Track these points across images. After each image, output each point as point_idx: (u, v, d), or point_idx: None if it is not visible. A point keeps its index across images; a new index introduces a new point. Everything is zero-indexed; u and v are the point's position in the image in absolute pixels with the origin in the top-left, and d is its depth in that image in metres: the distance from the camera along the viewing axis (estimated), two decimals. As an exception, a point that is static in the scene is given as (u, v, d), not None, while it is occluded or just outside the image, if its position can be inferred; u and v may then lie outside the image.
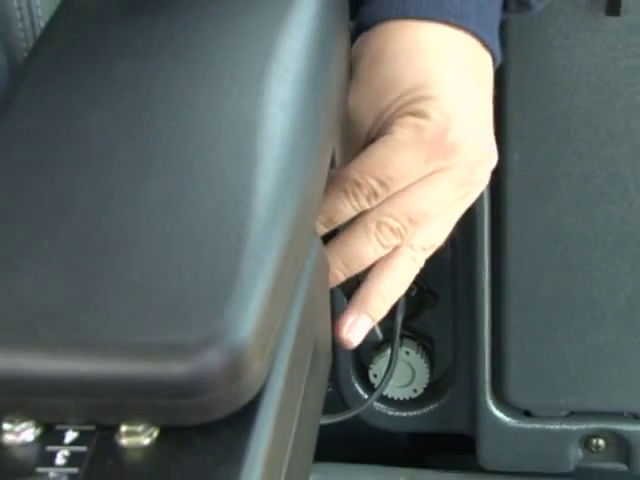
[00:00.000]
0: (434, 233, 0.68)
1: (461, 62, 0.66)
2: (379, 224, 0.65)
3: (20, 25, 0.62)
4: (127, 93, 0.54)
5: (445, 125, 0.63)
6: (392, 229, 0.66)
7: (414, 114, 0.63)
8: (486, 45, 0.67)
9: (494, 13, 0.68)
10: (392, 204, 0.65)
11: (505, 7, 0.69)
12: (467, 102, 0.65)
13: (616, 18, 0.81)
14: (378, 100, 0.65)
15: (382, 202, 0.65)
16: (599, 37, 0.83)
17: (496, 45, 0.68)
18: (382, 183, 0.63)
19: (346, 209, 0.65)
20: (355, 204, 0.65)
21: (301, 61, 0.56)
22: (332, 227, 0.66)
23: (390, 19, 0.66)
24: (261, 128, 0.51)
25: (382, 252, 0.67)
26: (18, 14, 0.62)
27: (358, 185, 0.64)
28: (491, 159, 0.67)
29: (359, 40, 0.68)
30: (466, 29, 0.66)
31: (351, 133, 0.66)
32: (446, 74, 0.65)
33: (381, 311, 0.71)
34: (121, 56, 0.56)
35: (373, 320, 0.71)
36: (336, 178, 0.64)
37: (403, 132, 0.63)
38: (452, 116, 0.63)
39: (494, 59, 0.69)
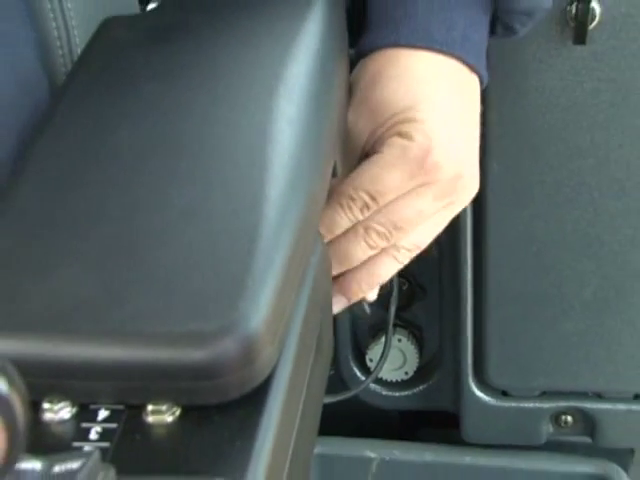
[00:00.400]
0: (418, 237, 0.68)
1: (448, 85, 0.66)
2: (367, 229, 0.66)
3: (60, 52, 0.62)
4: (153, 112, 0.54)
5: (427, 146, 0.63)
6: (379, 233, 0.66)
7: (401, 135, 0.64)
8: (472, 68, 0.67)
9: (480, 39, 0.68)
10: (380, 212, 0.66)
11: (493, 32, 0.69)
12: (449, 124, 0.65)
13: (582, 47, 0.81)
14: (373, 118, 0.65)
15: None
16: (568, 63, 0.82)
17: (482, 67, 0.68)
18: (373, 197, 0.64)
19: (343, 220, 0.66)
20: (350, 216, 0.66)
21: (306, 83, 0.56)
22: (331, 237, 0.66)
23: (384, 47, 0.66)
24: (271, 142, 0.51)
25: (370, 252, 0.67)
26: (58, 43, 0.62)
27: (352, 199, 0.65)
28: (471, 175, 0.67)
29: (359, 65, 0.68)
30: (452, 55, 0.66)
31: (349, 146, 0.67)
32: (432, 98, 0.65)
33: (356, 294, 0.70)
34: (147, 79, 0.56)
35: (348, 301, 0.71)
36: (333, 193, 0.65)
37: (391, 152, 0.64)
38: (434, 138, 0.63)
39: (481, 80, 0.69)
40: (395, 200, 0.65)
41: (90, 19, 0.61)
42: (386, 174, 0.64)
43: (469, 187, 0.67)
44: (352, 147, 0.67)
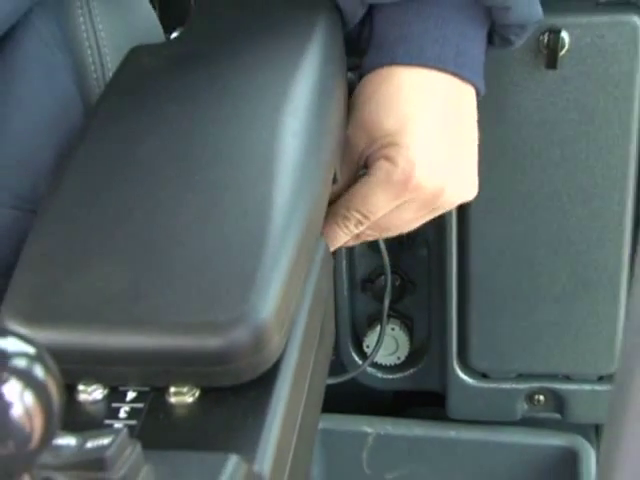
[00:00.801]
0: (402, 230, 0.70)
1: (440, 101, 0.65)
2: (361, 235, 0.69)
3: (94, 75, 0.62)
4: (174, 128, 0.54)
5: (409, 171, 0.63)
6: (368, 235, 0.69)
7: (387, 159, 0.64)
8: (467, 80, 0.66)
9: (476, 52, 0.67)
10: (371, 224, 0.67)
11: (491, 43, 0.69)
12: (432, 147, 0.64)
13: (553, 71, 0.81)
14: (367, 135, 0.65)
15: None
16: (541, 85, 0.82)
17: (478, 79, 0.67)
18: (364, 215, 0.65)
19: (341, 236, 0.67)
20: (347, 231, 0.67)
21: (309, 101, 0.56)
22: (333, 249, 0.67)
23: (382, 65, 0.65)
24: (278, 152, 0.50)
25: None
26: (92, 67, 0.62)
27: (347, 218, 0.66)
28: (453, 188, 0.67)
29: (361, 81, 0.68)
30: (445, 70, 0.65)
31: (348, 155, 0.67)
32: (419, 120, 0.64)
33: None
34: (169, 100, 0.56)
35: None
36: (330, 214, 0.66)
37: (377, 175, 0.64)
38: (416, 162, 0.63)
39: (477, 91, 0.68)
40: (384, 215, 0.66)
41: (120, 47, 0.61)
42: (374, 195, 0.64)
43: (451, 199, 0.67)
44: (350, 156, 0.67)
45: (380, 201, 0.65)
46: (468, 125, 0.68)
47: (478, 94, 0.68)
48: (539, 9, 0.67)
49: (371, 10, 0.66)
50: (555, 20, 0.79)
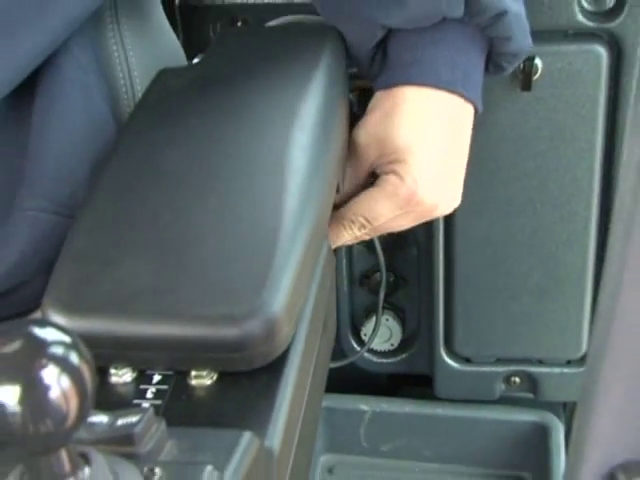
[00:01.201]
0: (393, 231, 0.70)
1: (446, 119, 0.65)
2: (356, 237, 0.68)
3: (125, 96, 0.62)
4: (196, 142, 0.53)
5: (414, 188, 0.63)
6: (364, 235, 0.68)
7: (395, 173, 0.63)
8: (470, 101, 0.66)
9: (478, 76, 0.66)
10: (372, 228, 0.67)
11: (486, 69, 0.68)
12: (435, 166, 0.64)
13: (528, 92, 0.80)
14: (380, 148, 0.65)
15: None
16: (517, 105, 0.82)
17: (479, 100, 0.67)
18: (368, 220, 0.65)
19: (345, 237, 0.67)
20: (351, 233, 0.67)
21: (316, 119, 0.55)
22: (335, 247, 0.67)
23: (397, 85, 0.65)
24: (288, 164, 0.50)
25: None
26: (124, 89, 0.61)
27: (352, 222, 0.66)
28: (447, 203, 0.67)
29: (376, 96, 0.67)
30: (454, 92, 0.64)
31: (359, 161, 0.66)
32: (427, 138, 0.64)
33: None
34: (192, 118, 0.55)
35: None
36: (337, 217, 0.66)
37: (385, 187, 0.64)
38: (420, 181, 0.63)
39: (476, 110, 0.67)
40: (385, 221, 0.66)
41: (148, 70, 0.61)
42: (379, 205, 0.64)
43: (443, 211, 0.67)
44: (361, 166, 0.67)
45: (384, 210, 0.64)
46: (464, 141, 0.68)
47: (476, 112, 0.68)
48: (530, 40, 0.67)
49: (387, 34, 0.65)
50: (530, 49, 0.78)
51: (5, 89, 0.53)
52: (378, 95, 0.66)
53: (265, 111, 0.55)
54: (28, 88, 0.56)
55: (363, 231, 0.66)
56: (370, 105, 0.67)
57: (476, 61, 0.66)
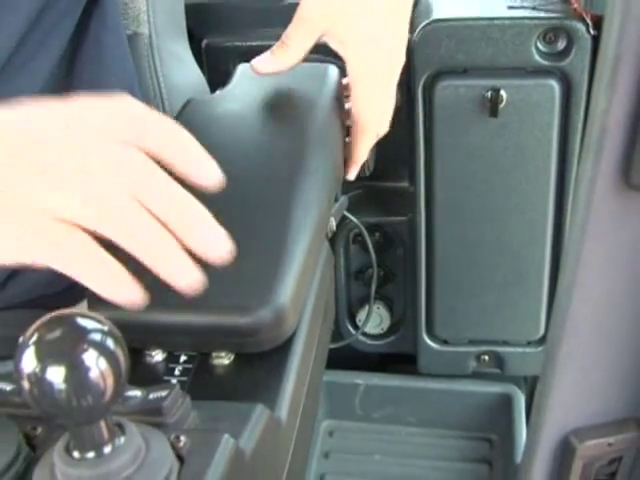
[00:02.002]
0: None
1: None
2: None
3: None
4: (219, 156, 0.52)
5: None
6: None
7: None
8: None
9: None
10: None
11: None
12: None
13: (495, 119, 0.80)
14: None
15: None
16: (485, 129, 0.81)
17: None
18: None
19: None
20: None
21: (318, 138, 0.54)
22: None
23: None
24: (296, 180, 0.49)
25: None
26: (156, 106, 0.60)
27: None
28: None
29: None
30: None
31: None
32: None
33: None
34: (214, 140, 0.54)
35: None
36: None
37: None
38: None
39: None
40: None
41: (178, 99, 0.60)
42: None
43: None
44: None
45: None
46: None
47: None
48: None
49: None
50: (496, 82, 0.78)
51: None
52: None
53: (276, 136, 0.54)
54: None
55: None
56: None
57: None
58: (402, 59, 0.57)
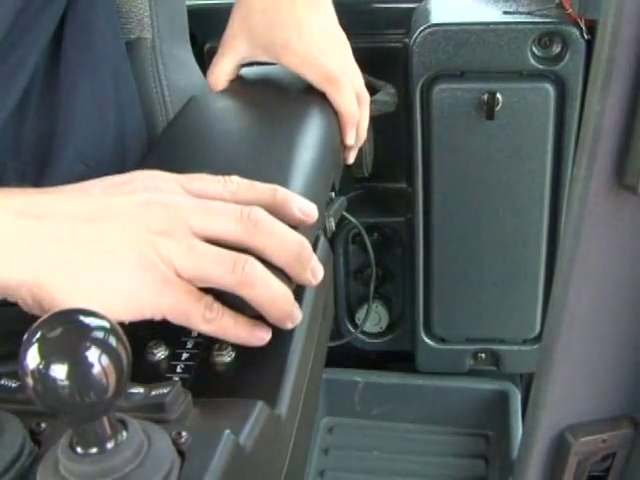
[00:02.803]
0: None
1: None
2: None
3: (160, 118, 0.61)
4: (218, 151, 0.51)
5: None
6: None
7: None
8: None
9: None
10: None
11: None
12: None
13: (491, 121, 0.80)
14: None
15: None
16: (482, 131, 0.81)
17: None
18: None
19: None
20: None
21: (317, 135, 0.54)
22: None
23: None
24: (294, 175, 0.48)
25: None
26: (159, 108, 0.60)
27: None
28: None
29: None
30: None
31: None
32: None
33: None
34: (215, 135, 0.54)
35: None
36: None
37: None
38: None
39: None
40: None
41: (181, 96, 0.60)
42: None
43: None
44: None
45: None
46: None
47: None
48: None
49: None
50: (492, 85, 0.78)
51: None
52: None
53: (274, 134, 0.54)
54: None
55: None
56: None
57: None
58: (342, 36, 0.59)
